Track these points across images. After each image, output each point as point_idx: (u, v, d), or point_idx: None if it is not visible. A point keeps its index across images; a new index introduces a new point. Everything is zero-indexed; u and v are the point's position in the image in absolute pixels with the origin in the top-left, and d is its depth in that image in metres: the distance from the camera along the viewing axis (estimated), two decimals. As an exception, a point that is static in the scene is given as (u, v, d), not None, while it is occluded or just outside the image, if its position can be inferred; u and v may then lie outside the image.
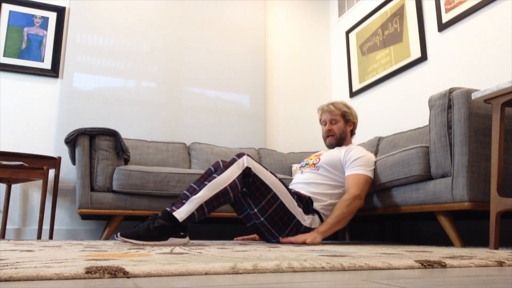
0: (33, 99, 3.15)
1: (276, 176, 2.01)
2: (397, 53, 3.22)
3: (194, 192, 1.77)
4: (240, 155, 1.90)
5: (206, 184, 1.77)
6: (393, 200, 2.15)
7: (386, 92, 3.34)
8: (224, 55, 3.73)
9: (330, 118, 2.35)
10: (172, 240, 1.66)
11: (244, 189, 1.90)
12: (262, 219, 1.96)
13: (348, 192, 2.09)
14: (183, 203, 1.72)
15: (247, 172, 1.87)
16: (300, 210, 2.03)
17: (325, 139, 2.38)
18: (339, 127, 2.34)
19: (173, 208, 1.71)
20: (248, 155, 1.91)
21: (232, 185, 1.80)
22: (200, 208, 1.71)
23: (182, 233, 1.69)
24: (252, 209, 1.96)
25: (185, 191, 1.82)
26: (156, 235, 1.62)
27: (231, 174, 1.82)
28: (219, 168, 1.93)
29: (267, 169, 1.98)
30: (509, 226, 2.19)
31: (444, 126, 1.86)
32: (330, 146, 2.37)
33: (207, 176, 1.89)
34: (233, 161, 1.88)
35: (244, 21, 3.87)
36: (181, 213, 1.68)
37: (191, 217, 1.69)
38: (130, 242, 1.59)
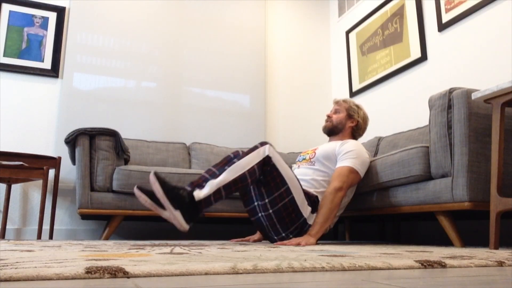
0: (33, 99, 3.15)
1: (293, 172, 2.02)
2: (397, 53, 3.22)
3: (213, 175, 1.82)
4: (263, 144, 1.94)
5: (226, 169, 1.82)
6: (393, 200, 2.15)
7: (386, 92, 3.34)
8: (224, 55, 3.73)
9: (335, 108, 2.47)
10: (177, 213, 1.66)
11: (261, 177, 1.92)
12: (270, 211, 1.96)
13: (330, 185, 2.09)
14: (203, 186, 1.77)
15: (266, 161, 1.90)
16: (310, 209, 2.04)
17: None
18: (339, 117, 2.43)
19: (195, 188, 1.76)
20: (271, 145, 1.94)
21: (251, 171, 1.84)
22: (217, 191, 1.76)
23: (187, 218, 1.69)
24: (263, 199, 1.96)
25: (204, 173, 1.86)
26: (175, 198, 1.64)
27: (251, 160, 1.87)
28: (238, 155, 1.96)
29: (286, 163, 2.00)
30: (509, 226, 2.19)
31: (444, 126, 1.86)
32: (324, 130, 2.47)
33: (227, 162, 1.93)
34: (254, 148, 1.92)
35: (244, 21, 3.87)
36: (199, 194, 1.73)
37: (207, 199, 1.73)
38: (146, 196, 1.62)
